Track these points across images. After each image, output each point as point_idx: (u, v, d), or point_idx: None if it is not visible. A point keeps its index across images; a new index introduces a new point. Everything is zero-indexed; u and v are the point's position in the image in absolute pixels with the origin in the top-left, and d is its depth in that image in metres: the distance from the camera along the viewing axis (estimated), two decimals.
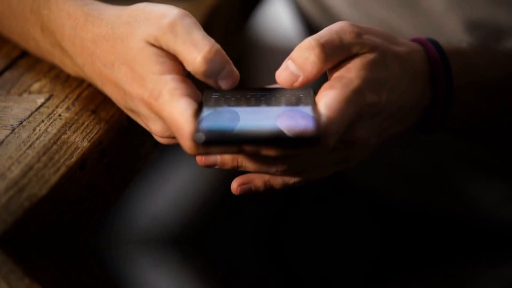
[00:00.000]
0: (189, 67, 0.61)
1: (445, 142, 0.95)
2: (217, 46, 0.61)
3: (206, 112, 0.58)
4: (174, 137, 0.63)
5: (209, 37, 0.61)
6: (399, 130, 0.66)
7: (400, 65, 0.64)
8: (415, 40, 0.69)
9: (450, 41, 0.83)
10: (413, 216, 1.01)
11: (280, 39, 1.40)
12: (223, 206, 1.09)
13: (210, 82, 0.62)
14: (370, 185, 1.05)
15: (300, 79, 0.60)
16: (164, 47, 0.61)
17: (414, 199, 1.02)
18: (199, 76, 0.61)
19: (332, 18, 0.91)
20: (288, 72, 0.61)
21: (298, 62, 0.60)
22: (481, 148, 0.94)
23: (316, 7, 0.93)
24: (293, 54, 0.61)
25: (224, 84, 0.62)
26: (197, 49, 0.60)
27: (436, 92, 0.67)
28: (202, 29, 0.62)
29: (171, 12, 0.62)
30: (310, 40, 0.60)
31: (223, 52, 0.61)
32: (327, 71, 0.62)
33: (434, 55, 0.67)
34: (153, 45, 0.61)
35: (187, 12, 0.63)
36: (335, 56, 0.61)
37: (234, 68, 0.62)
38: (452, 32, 0.84)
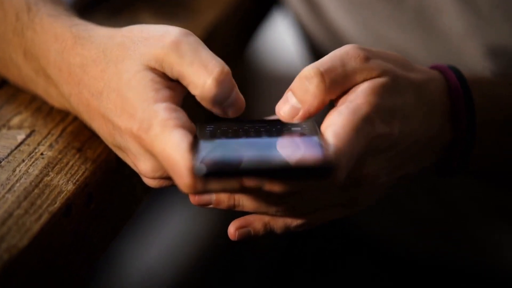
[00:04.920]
0: (197, 91, 0.59)
1: (462, 185, 0.93)
2: (227, 67, 0.59)
3: (203, 144, 0.56)
4: (166, 178, 0.61)
5: (217, 57, 0.60)
6: (412, 170, 0.65)
7: (415, 93, 0.62)
8: (434, 68, 0.67)
9: (468, 67, 0.82)
10: (424, 268, 1.00)
11: (283, 65, 1.39)
12: (221, 256, 1.09)
13: (216, 110, 0.60)
14: (376, 231, 1.03)
15: (301, 113, 0.59)
16: (167, 69, 0.60)
17: (425, 248, 1.00)
18: (206, 102, 0.59)
19: (339, 41, 0.90)
20: (288, 106, 0.59)
21: (298, 94, 0.59)
22: (504, 193, 0.92)
23: (323, 29, 0.92)
24: (293, 84, 0.60)
25: (231, 112, 0.60)
26: (207, 71, 0.58)
27: (457, 127, 0.65)
28: (207, 48, 0.60)
29: (173, 30, 0.61)
30: (310, 69, 0.59)
31: (231, 75, 0.60)
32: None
33: (455, 85, 0.65)
34: (151, 69, 0.60)
35: (188, 30, 0.61)
36: (338, 85, 0.59)
37: (240, 94, 0.61)
38: (471, 58, 0.83)
